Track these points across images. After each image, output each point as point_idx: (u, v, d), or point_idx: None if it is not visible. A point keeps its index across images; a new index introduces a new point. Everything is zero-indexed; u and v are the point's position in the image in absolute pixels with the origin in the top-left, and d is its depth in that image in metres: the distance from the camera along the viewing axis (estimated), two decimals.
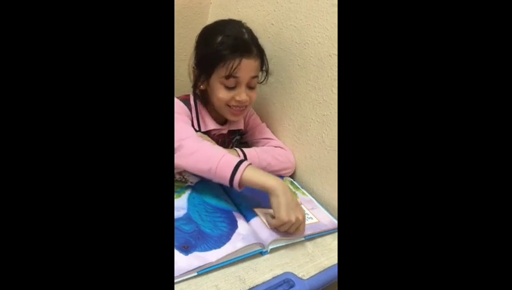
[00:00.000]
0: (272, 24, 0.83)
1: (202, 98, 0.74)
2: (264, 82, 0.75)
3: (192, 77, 0.73)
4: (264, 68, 0.73)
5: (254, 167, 0.57)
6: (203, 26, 0.73)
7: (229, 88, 0.67)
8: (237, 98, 0.68)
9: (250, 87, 0.69)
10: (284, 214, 0.52)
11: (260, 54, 0.70)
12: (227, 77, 0.66)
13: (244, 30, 0.69)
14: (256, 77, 0.70)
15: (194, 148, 0.58)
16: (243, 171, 0.55)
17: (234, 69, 0.65)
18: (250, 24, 0.72)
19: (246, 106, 0.71)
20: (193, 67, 0.71)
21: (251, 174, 0.55)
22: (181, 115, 0.68)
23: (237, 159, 0.57)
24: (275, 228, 0.55)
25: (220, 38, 0.66)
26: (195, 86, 0.72)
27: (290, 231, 0.55)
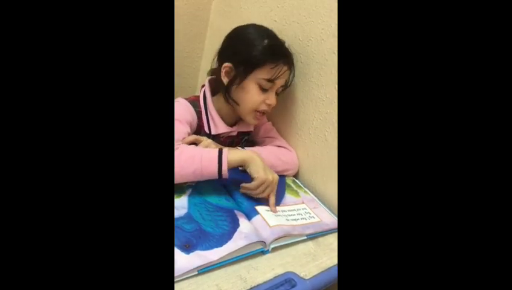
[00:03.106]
0: (275, 21, 0.82)
1: (227, 97, 0.71)
2: (280, 93, 0.75)
3: (223, 76, 0.69)
4: (290, 75, 0.73)
5: (230, 150, 0.60)
6: (235, 27, 0.71)
7: (263, 90, 0.68)
8: (268, 101, 0.69)
9: (276, 93, 0.71)
10: (263, 173, 0.59)
11: (292, 64, 0.72)
12: (269, 80, 0.67)
13: (281, 40, 0.71)
14: (285, 84, 0.72)
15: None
16: (227, 161, 0.58)
17: (280, 74, 0.67)
18: (253, 21, 0.72)
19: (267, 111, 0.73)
20: (229, 67, 0.68)
21: (231, 159, 0.59)
22: (175, 121, 0.64)
23: (216, 152, 0.58)
24: (252, 191, 0.61)
25: (266, 42, 0.66)
26: (230, 85, 0.69)
27: (265, 193, 0.60)
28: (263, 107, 0.70)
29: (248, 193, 0.62)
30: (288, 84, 0.74)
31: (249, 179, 0.61)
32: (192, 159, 0.57)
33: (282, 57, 0.67)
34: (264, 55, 0.65)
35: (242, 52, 0.67)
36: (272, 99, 0.70)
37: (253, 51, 0.66)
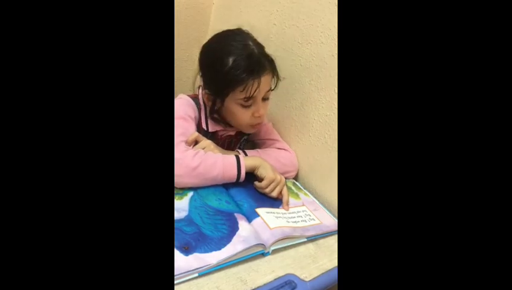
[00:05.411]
0: (274, 24, 0.82)
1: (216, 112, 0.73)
2: (275, 88, 0.74)
3: (204, 100, 0.71)
4: (274, 76, 0.71)
5: (247, 157, 0.67)
6: (203, 45, 0.70)
7: (246, 106, 0.67)
8: (256, 114, 0.68)
9: (264, 99, 0.69)
10: (271, 173, 0.65)
11: (272, 66, 0.68)
12: (247, 99, 0.65)
13: (251, 43, 0.66)
14: (270, 88, 0.70)
15: (195, 163, 0.59)
16: (245, 166, 0.64)
17: (255, 89, 0.64)
18: (253, 25, 0.72)
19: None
20: (206, 92, 0.69)
21: (247, 164, 0.65)
22: (180, 119, 0.67)
23: (234, 158, 0.64)
24: (263, 190, 0.65)
25: (231, 61, 0.63)
26: (211, 110, 0.70)
27: (275, 191, 0.65)
28: (254, 121, 0.70)
29: (260, 191, 0.66)
30: (274, 86, 0.71)
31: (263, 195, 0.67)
32: (214, 164, 0.61)
33: (249, 75, 0.62)
34: (229, 80, 0.63)
35: (210, 81, 0.68)
36: (259, 110, 0.68)
37: (218, 79, 0.64)
